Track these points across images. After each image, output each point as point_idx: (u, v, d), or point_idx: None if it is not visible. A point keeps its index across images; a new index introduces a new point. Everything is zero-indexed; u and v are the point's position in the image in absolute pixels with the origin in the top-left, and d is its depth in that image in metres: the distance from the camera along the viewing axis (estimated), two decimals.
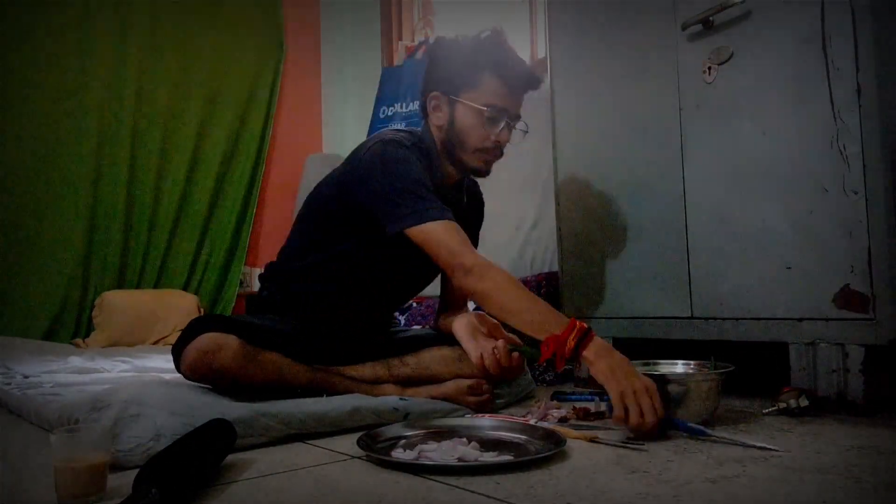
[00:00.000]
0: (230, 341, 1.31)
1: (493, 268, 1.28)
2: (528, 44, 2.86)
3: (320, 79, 4.21)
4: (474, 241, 1.68)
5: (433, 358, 1.52)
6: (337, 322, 1.52)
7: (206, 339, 1.31)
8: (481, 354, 1.38)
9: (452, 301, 1.68)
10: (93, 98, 3.29)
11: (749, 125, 1.49)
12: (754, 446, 1.07)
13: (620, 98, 1.78)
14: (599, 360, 1.15)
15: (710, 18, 1.54)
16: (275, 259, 1.64)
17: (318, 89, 4.21)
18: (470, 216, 1.67)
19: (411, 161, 1.38)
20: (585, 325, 1.18)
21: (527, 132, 1.54)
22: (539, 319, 1.22)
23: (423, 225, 1.30)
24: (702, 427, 1.16)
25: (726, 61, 1.53)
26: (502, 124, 1.46)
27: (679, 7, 1.61)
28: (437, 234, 1.30)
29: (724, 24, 1.53)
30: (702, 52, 1.57)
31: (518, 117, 1.50)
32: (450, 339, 1.54)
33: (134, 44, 3.41)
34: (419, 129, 1.58)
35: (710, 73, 1.56)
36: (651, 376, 1.19)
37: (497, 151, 1.50)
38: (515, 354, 1.39)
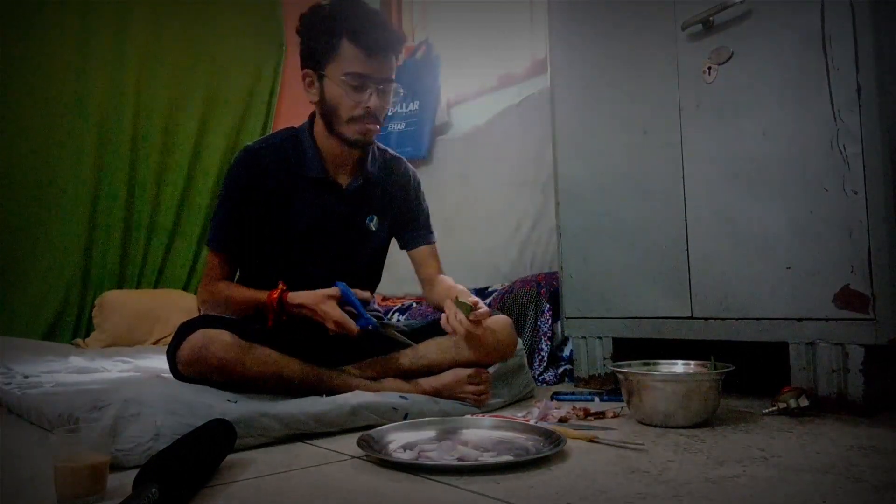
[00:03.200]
0: (222, 335, 1.34)
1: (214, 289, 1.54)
2: (528, 44, 2.87)
3: None
4: (406, 217, 1.68)
5: (429, 348, 1.54)
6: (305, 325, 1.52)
7: (199, 335, 1.34)
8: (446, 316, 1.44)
9: (426, 277, 1.70)
10: (93, 98, 3.29)
11: (749, 125, 1.49)
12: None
13: (620, 98, 1.77)
14: (302, 316, 1.43)
15: (710, 18, 1.54)
16: None
17: None
18: (394, 193, 1.65)
19: (232, 179, 1.53)
20: (275, 294, 1.43)
21: (402, 94, 1.53)
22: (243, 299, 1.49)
23: (208, 247, 1.59)
24: (373, 318, 1.46)
25: (726, 61, 1.53)
26: (368, 91, 1.43)
27: (679, 7, 1.61)
28: (208, 257, 1.60)
29: (724, 24, 1.53)
30: (702, 52, 1.57)
31: (387, 80, 1.46)
32: (443, 330, 1.53)
33: (134, 44, 3.41)
34: None
35: (710, 73, 1.56)
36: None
37: (371, 119, 1.46)
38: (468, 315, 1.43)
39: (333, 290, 1.42)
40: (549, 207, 2.26)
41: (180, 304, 3.29)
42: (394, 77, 1.48)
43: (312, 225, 1.55)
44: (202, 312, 1.56)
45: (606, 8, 1.81)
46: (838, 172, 1.34)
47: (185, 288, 3.56)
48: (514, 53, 2.93)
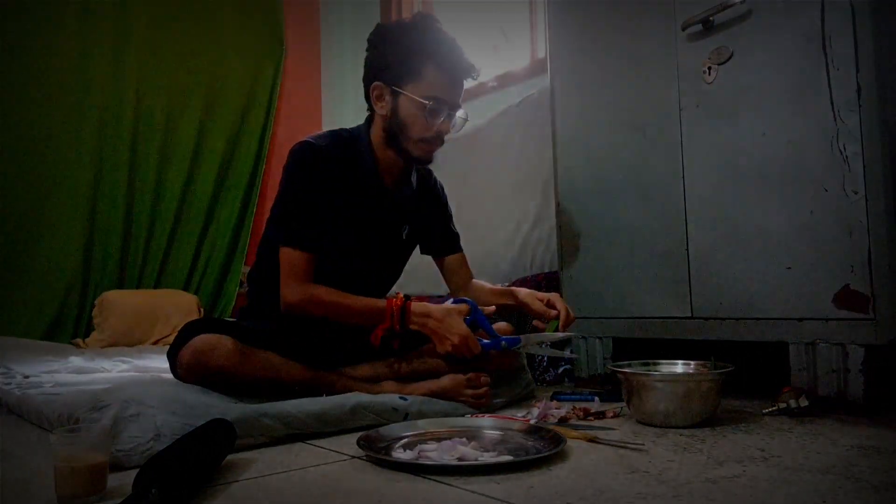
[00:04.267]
0: (224, 341, 1.33)
1: (311, 291, 1.44)
2: (528, 44, 2.86)
3: (320, 79, 4.21)
4: (437, 227, 1.72)
5: (432, 352, 1.53)
6: (326, 322, 1.50)
7: (200, 341, 1.33)
8: (550, 301, 1.57)
9: (460, 284, 1.75)
10: (93, 98, 3.29)
11: (749, 125, 1.49)
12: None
13: (620, 98, 1.78)
14: (423, 327, 1.42)
15: (710, 18, 1.54)
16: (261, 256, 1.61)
17: (318, 89, 4.21)
18: (423, 205, 1.68)
19: (304, 174, 1.45)
20: (398, 302, 1.41)
21: (466, 120, 1.56)
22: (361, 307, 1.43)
23: (290, 246, 1.45)
24: (512, 337, 1.46)
25: (726, 61, 1.53)
26: (444, 116, 1.47)
27: (679, 7, 1.61)
28: (286, 255, 1.45)
29: (724, 24, 1.53)
30: (702, 52, 1.57)
31: (458, 107, 1.51)
32: None
33: (133, 44, 3.42)
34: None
35: (710, 73, 1.56)
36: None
37: (439, 141, 1.50)
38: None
39: (462, 306, 1.43)
40: (549, 207, 2.26)
41: (180, 304, 3.29)
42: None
43: (359, 229, 1.54)
44: (286, 312, 1.46)
45: (606, 8, 1.81)
46: (838, 172, 1.34)
47: (185, 288, 3.55)
48: (514, 53, 2.93)
